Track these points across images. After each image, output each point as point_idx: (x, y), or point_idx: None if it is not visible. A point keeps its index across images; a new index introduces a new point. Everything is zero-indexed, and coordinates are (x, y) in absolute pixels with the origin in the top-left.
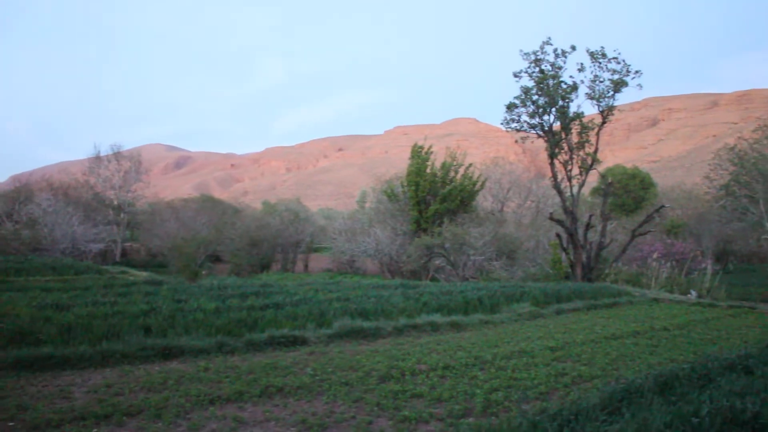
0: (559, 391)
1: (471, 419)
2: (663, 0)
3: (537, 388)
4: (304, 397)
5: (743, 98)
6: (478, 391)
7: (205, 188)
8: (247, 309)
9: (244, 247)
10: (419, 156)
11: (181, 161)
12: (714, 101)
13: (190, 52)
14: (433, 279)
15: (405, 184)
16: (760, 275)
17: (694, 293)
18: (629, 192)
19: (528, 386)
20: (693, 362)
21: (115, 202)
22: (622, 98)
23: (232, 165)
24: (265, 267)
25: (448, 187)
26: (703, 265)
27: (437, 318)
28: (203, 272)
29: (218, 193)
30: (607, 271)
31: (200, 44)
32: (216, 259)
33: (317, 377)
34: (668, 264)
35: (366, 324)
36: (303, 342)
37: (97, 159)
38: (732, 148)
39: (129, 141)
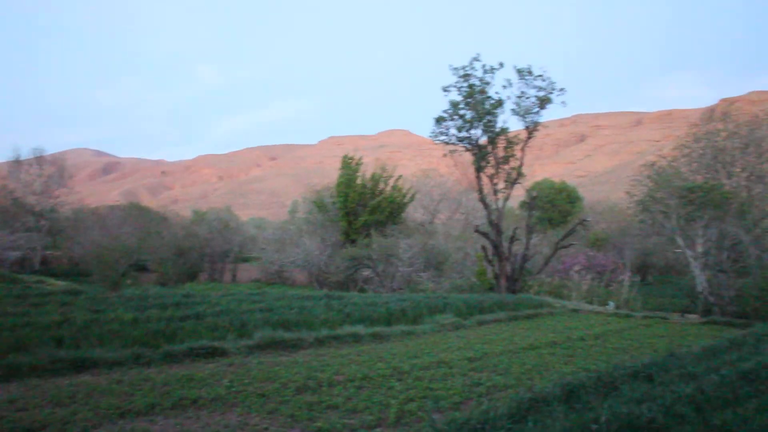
0: (473, 401)
1: (380, 429)
2: (590, 23)
3: (452, 398)
4: (218, 409)
5: (665, 117)
6: (393, 401)
7: (134, 195)
8: (167, 320)
9: (171, 257)
10: (349, 167)
11: (109, 167)
12: (639, 119)
13: (120, 55)
14: (361, 290)
15: (335, 194)
16: (676, 287)
17: (611, 304)
18: (556, 206)
19: (443, 396)
20: (600, 371)
21: (36, 208)
22: (552, 114)
23: (163, 172)
24: (192, 277)
25: (377, 199)
26: (621, 277)
27: (359, 329)
28: (127, 281)
29: (147, 201)
30: (530, 282)
31: (131, 47)
32: (142, 268)
33: (233, 389)
34: (589, 276)
35: (287, 335)
36: (222, 353)
37: (17, 162)
38: (651, 165)
39: (53, 145)
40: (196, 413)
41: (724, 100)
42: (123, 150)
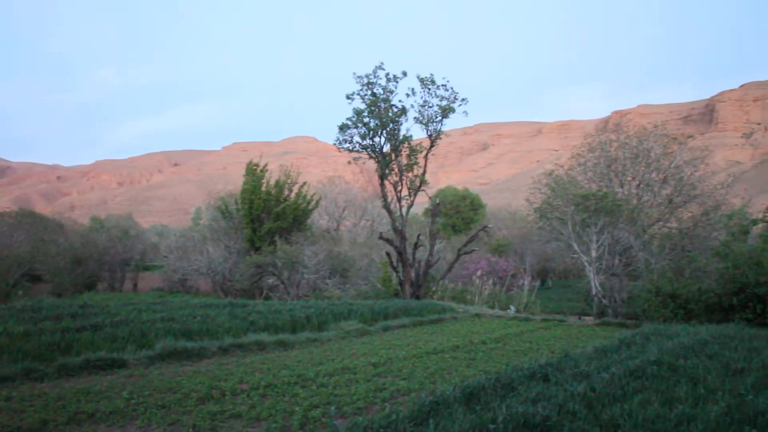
0: (376, 405)
1: None
2: (492, 35)
3: (356, 403)
4: (117, 422)
5: (563, 128)
6: (297, 408)
7: (27, 202)
8: (62, 331)
9: (67, 266)
10: (254, 173)
11: None
12: (538, 129)
13: (10, 54)
14: (266, 298)
15: (239, 201)
16: (574, 290)
17: (512, 308)
18: (460, 212)
19: (347, 402)
20: (499, 373)
21: None
22: (455, 123)
23: (58, 177)
24: (90, 286)
25: (281, 205)
26: (522, 282)
27: (264, 337)
28: (18, 292)
29: (42, 208)
30: (434, 288)
31: (23, 46)
32: (35, 278)
33: (133, 401)
34: (491, 281)
35: (190, 344)
36: (122, 365)
37: None
38: (550, 174)
39: None
40: (92, 427)
41: (616, 113)
42: (14, 153)
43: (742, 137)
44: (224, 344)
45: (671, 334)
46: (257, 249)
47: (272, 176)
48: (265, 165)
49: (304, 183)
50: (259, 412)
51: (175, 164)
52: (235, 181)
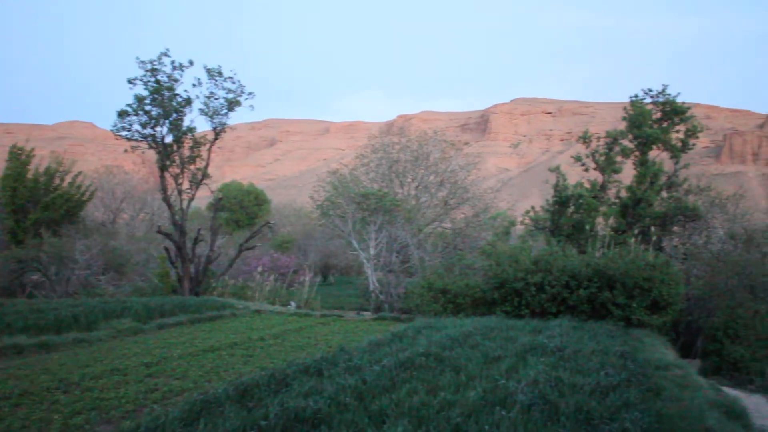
0: (147, 407)
1: None
2: (281, 34)
3: (124, 407)
4: None
5: (350, 128)
6: (56, 416)
7: None
8: None
9: None
10: (18, 159)
11: None
12: (326, 128)
13: None
14: (30, 296)
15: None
16: (354, 286)
17: (293, 304)
18: (244, 208)
19: (114, 406)
20: (275, 369)
21: None
22: (244, 117)
23: None
24: None
25: (51, 195)
26: (303, 278)
27: (22, 339)
28: None
29: None
30: (214, 284)
31: None
32: None
33: None
34: (272, 277)
35: None
36: None
37: None
38: (334, 172)
39: None
40: None
41: (401, 117)
42: None
43: (510, 147)
44: None
45: (440, 327)
46: (20, 242)
47: (42, 163)
48: (32, 150)
49: (79, 172)
50: (9, 424)
51: None
52: None
